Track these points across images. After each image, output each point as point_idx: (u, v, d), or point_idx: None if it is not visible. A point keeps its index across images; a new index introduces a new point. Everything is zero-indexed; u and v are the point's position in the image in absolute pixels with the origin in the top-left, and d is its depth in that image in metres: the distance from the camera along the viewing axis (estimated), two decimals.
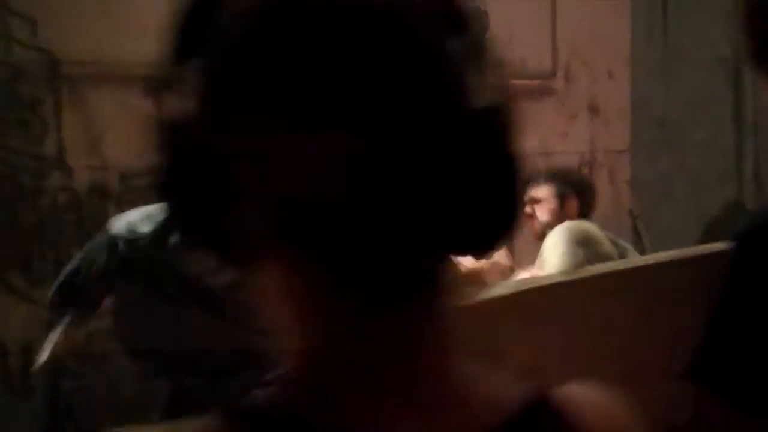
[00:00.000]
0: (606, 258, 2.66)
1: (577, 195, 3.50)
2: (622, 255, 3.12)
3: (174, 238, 2.48)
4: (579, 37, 5.40)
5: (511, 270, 3.08)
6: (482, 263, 2.44)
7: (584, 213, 3.51)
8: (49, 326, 2.81)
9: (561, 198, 3.47)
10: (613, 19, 5.65)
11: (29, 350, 3.57)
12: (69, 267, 2.75)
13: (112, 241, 2.64)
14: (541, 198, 3.47)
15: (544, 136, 5.17)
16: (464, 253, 0.75)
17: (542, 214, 3.44)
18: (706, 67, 7.17)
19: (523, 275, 2.78)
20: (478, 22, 0.78)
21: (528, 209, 3.44)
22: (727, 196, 6.95)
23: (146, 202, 2.88)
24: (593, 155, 5.55)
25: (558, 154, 5.20)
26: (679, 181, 5.95)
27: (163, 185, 0.74)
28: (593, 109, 5.55)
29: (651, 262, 1.99)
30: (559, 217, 3.33)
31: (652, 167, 5.81)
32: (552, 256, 2.67)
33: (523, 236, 3.42)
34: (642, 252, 6.03)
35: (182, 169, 0.71)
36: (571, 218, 3.28)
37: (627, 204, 5.83)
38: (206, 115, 0.69)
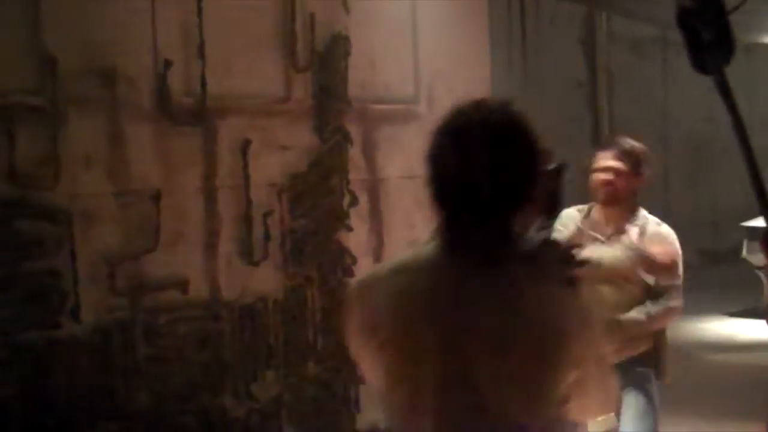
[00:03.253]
0: None
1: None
2: None
3: None
4: (441, 62, 5.49)
5: None
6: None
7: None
8: None
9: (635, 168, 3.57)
10: (474, 45, 5.76)
11: None
12: None
13: None
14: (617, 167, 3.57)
15: (408, 159, 5.21)
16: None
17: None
18: (563, 91, 7.41)
19: None
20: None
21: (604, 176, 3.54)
22: None
23: None
24: None
25: (423, 177, 5.26)
26: None
27: None
28: None
29: None
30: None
31: None
32: None
33: None
34: None
35: None
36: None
37: None
38: None
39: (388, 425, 1.71)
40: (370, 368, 1.71)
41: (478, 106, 1.69)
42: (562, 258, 1.73)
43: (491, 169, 1.62)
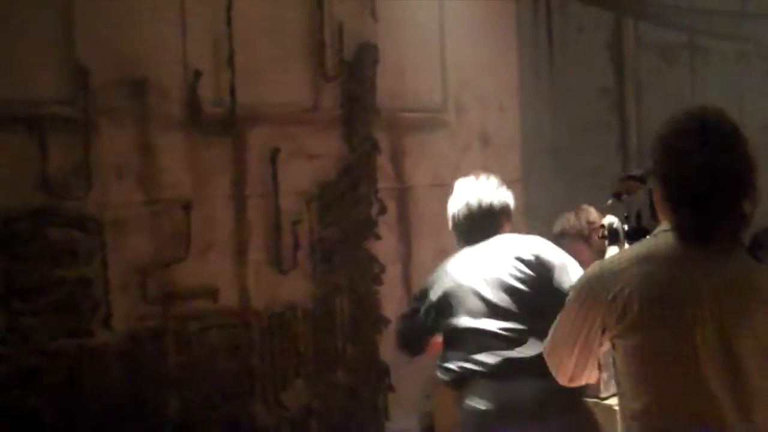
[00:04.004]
0: None
1: None
2: None
3: None
4: (468, 70, 5.48)
5: None
6: None
7: None
8: None
9: None
10: (501, 52, 5.75)
11: None
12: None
13: None
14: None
15: (437, 168, 5.21)
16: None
17: None
18: (591, 97, 7.35)
19: None
20: None
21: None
22: None
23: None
24: None
25: (452, 186, 5.25)
26: (571, 207, 6.05)
27: None
28: (485, 141, 5.63)
29: None
30: None
31: (544, 195, 5.92)
32: None
33: None
34: None
35: None
36: None
37: (523, 232, 5.91)
38: None
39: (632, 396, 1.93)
40: (597, 347, 1.98)
41: (703, 109, 2.01)
42: None
43: (731, 162, 1.89)
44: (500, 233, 3.36)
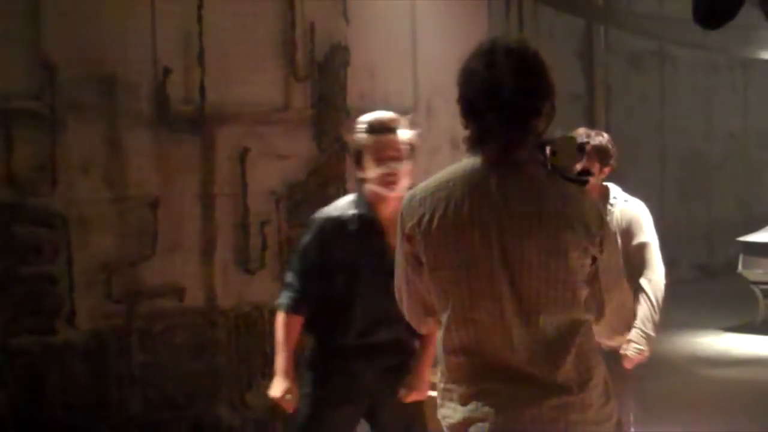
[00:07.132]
0: None
1: None
2: None
3: None
4: (439, 73, 5.49)
5: None
6: None
7: None
8: None
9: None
10: None
11: None
12: None
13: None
14: None
15: None
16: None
17: None
18: (561, 103, 7.42)
19: None
20: None
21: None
22: None
23: None
24: None
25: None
26: None
27: None
28: (455, 144, 5.64)
29: None
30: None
31: None
32: None
33: None
34: None
35: None
36: None
37: None
38: None
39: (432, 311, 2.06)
40: (417, 270, 2.04)
41: (499, 37, 2.10)
42: (579, 148, 2.11)
43: (514, 80, 1.95)
44: None
